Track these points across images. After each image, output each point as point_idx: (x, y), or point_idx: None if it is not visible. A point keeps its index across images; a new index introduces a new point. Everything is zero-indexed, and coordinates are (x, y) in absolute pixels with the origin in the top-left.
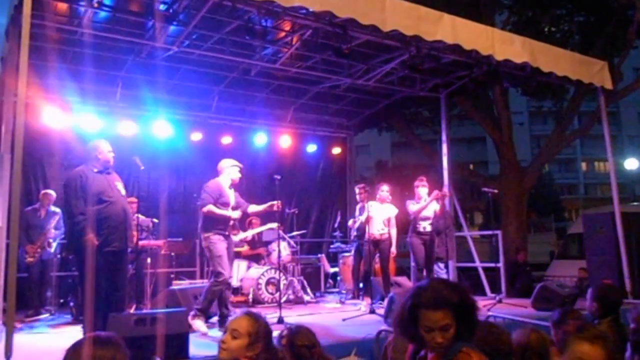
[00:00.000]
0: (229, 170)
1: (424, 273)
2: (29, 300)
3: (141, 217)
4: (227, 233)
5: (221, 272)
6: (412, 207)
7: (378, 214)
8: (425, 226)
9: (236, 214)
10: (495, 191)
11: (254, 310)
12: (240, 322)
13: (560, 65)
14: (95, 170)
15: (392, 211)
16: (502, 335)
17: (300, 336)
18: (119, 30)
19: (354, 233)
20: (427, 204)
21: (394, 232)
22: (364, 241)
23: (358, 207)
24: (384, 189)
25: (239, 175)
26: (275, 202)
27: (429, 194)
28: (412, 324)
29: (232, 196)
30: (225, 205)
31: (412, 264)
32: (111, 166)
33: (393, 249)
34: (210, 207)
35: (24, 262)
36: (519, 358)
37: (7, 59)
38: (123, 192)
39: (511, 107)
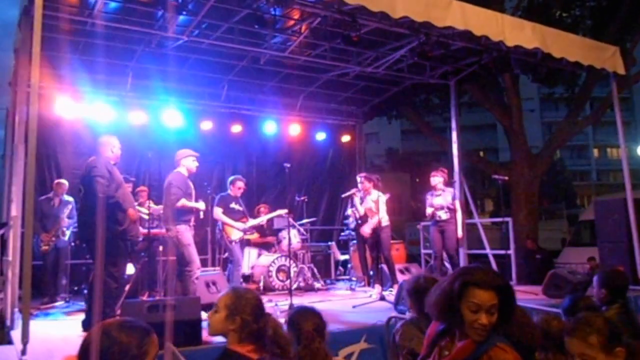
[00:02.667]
0: (185, 162)
1: (443, 261)
2: (44, 288)
3: (153, 205)
4: (192, 223)
5: (194, 259)
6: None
7: (372, 205)
8: (441, 215)
9: (203, 206)
10: (506, 178)
11: (242, 286)
12: (220, 297)
13: (571, 50)
14: (112, 162)
15: (378, 197)
16: (530, 320)
17: (297, 317)
18: (129, 20)
19: (353, 223)
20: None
21: (376, 218)
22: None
23: (359, 195)
24: (359, 180)
25: (196, 164)
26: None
27: (445, 183)
28: (457, 302)
29: (192, 187)
30: (190, 196)
31: (424, 251)
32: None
33: (367, 229)
34: (184, 201)
35: (38, 250)
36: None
37: (20, 50)
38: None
39: (522, 94)
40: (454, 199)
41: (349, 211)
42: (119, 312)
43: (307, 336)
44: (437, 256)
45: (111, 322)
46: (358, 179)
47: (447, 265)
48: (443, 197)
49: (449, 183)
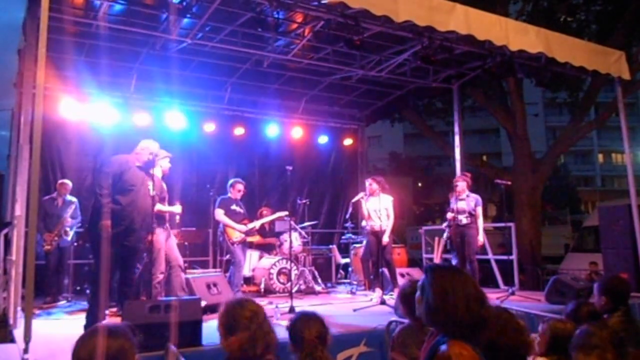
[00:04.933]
0: (162, 162)
1: (467, 265)
2: (46, 288)
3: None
4: (167, 226)
5: (159, 263)
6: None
7: (372, 207)
8: (462, 219)
9: (179, 209)
10: (509, 183)
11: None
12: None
13: (576, 55)
14: (138, 164)
15: (387, 201)
16: (519, 324)
17: (299, 324)
18: (133, 22)
19: (365, 227)
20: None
21: (390, 222)
22: (366, 233)
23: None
24: (367, 183)
25: (169, 165)
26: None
27: (468, 187)
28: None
29: (165, 188)
30: (164, 199)
31: (425, 255)
32: (151, 168)
33: (386, 238)
34: (159, 207)
35: (41, 250)
36: (547, 349)
37: (26, 52)
38: (152, 192)
39: (526, 98)
40: (476, 204)
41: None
42: (111, 311)
43: (310, 344)
44: (458, 260)
45: (96, 327)
46: (367, 183)
47: None
48: (466, 202)
49: (470, 188)
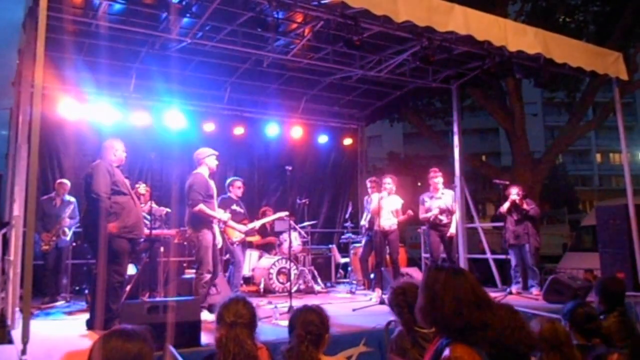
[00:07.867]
0: (208, 160)
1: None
2: (45, 288)
3: (155, 206)
4: (213, 225)
5: (206, 262)
6: (421, 214)
7: (387, 206)
8: (442, 218)
9: (226, 217)
10: (507, 183)
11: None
12: None
13: (574, 56)
14: (116, 165)
15: (398, 202)
16: (524, 324)
17: (293, 318)
18: (133, 22)
19: (365, 226)
20: (434, 215)
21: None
22: (374, 232)
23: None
24: (389, 181)
25: (217, 163)
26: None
27: (444, 184)
28: None
29: (214, 186)
30: (211, 197)
31: (425, 255)
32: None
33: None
34: (202, 207)
35: (39, 250)
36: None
37: (25, 51)
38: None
39: (525, 98)
40: (453, 200)
41: (363, 221)
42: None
43: (297, 338)
44: (434, 261)
45: (114, 330)
46: (368, 184)
47: None
48: (444, 200)
49: (448, 185)
